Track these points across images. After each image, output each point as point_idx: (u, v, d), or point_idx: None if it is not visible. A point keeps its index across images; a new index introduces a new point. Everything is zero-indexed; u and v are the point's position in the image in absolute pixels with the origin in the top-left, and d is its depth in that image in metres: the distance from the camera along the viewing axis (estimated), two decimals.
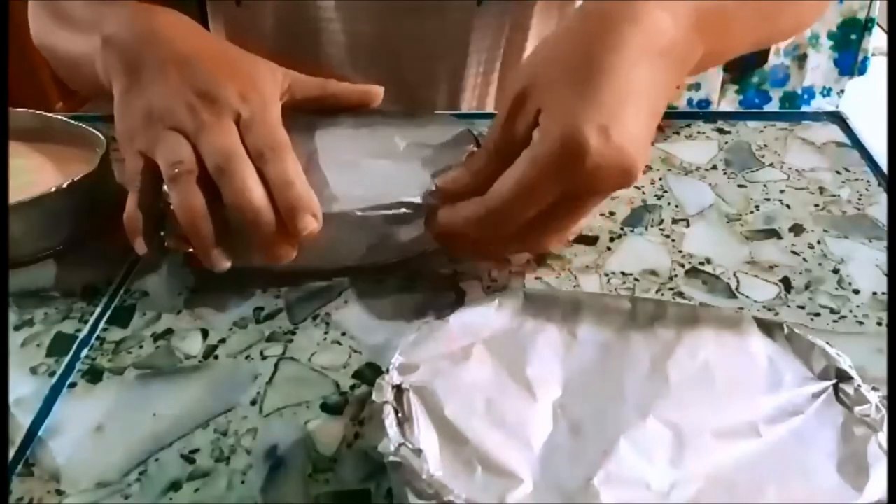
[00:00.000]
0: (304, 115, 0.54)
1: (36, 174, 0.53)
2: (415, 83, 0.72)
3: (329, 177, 0.49)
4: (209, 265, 0.45)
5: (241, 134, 0.46)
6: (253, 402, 0.41)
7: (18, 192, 0.49)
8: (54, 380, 0.43)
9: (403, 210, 0.47)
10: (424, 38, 0.70)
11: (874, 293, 0.48)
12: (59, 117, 0.56)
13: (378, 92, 0.57)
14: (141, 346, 0.45)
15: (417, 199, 0.47)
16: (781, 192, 0.57)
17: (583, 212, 0.45)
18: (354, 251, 0.48)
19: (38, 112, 0.57)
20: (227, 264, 0.45)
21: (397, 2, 0.68)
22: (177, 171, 0.44)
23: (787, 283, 0.49)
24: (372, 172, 0.50)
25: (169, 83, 0.48)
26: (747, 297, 0.48)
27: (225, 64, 0.50)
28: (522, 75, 0.45)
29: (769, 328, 0.38)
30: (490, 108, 0.76)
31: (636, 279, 0.49)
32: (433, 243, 0.49)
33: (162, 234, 0.47)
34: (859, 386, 0.34)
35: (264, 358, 0.44)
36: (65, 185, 0.49)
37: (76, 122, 0.56)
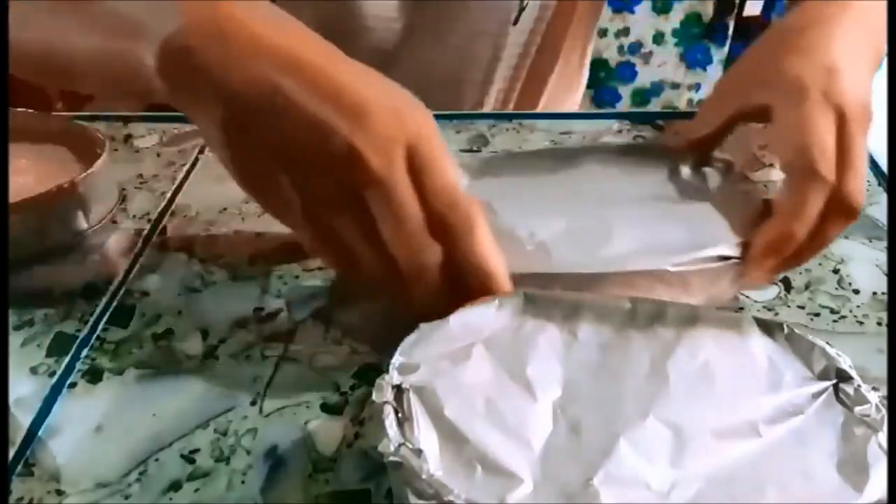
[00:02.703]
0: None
1: (36, 174, 0.53)
2: (443, 86, 0.73)
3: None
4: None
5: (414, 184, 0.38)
6: (253, 402, 0.41)
7: (18, 192, 0.49)
8: (54, 380, 0.43)
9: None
10: (456, 47, 0.71)
11: (874, 293, 0.48)
12: (60, 117, 0.57)
13: None
14: (141, 346, 0.45)
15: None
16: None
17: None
18: None
19: (38, 112, 0.57)
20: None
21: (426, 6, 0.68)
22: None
23: (787, 283, 0.49)
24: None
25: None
26: (747, 297, 0.48)
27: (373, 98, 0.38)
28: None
29: (769, 328, 0.38)
30: (510, 109, 0.78)
31: None
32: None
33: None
34: (859, 386, 0.34)
35: (264, 358, 0.44)
36: (65, 185, 0.49)
37: (76, 122, 0.56)
